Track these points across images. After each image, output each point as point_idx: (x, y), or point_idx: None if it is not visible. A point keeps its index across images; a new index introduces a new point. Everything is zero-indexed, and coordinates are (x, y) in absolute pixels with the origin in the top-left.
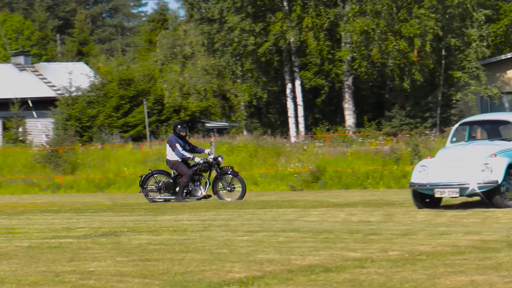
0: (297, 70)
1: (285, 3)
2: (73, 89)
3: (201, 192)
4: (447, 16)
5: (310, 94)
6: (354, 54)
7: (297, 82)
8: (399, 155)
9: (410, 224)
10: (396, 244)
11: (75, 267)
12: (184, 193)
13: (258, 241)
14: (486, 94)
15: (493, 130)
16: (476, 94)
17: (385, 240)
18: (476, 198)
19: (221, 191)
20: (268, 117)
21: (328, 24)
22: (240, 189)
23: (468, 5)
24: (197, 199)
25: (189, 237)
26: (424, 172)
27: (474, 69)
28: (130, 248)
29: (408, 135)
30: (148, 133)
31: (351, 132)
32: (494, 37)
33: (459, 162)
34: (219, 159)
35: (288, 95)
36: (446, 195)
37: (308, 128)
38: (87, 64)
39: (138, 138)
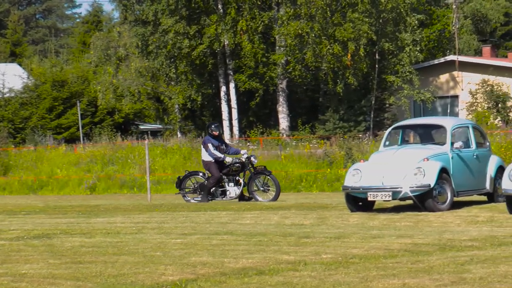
0: (231, 73)
1: (219, 6)
2: (5, 90)
3: (235, 192)
4: (381, 21)
5: (244, 97)
6: (289, 58)
7: (232, 85)
8: (332, 159)
9: (343, 227)
10: (329, 247)
11: (7, 269)
12: (218, 194)
13: (191, 244)
14: (419, 98)
15: (426, 134)
16: (409, 98)
17: (318, 243)
18: (409, 201)
19: (256, 192)
20: (202, 119)
21: (263, 27)
22: (274, 189)
23: (402, 10)
24: (231, 200)
25: (122, 239)
26: (357, 176)
27: (408, 73)
28: (63, 250)
29: (341, 138)
30: (81, 135)
31: (285, 135)
32: (427, 42)
33: (392, 166)
34: (252, 158)
35: (222, 98)
36: (379, 198)
37: (242, 131)
38: (20, 65)
39: (72, 140)
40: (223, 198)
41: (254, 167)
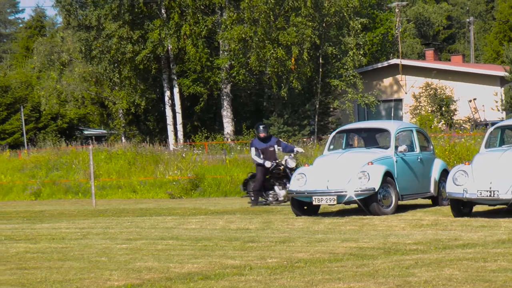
0: (175, 78)
1: (163, 11)
2: None
3: (282, 195)
4: (324, 25)
5: (188, 102)
6: (233, 62)
7: (176, 90)
8: None
9: (288, 231)
10: (274, 251)
11: None
12: (270, 197)
13: (136, 249)
14: (363, 102)
15: (370, 138)
16: (353, 102)
17: (264, 248)
18: (354, 205)
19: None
20: (147, 124)
21: (207, 31)
22: None
23: (345, 14)
24: (279, 203)
25: (67, 245)
26: (302, 180)
27: (351, 77)
28: (8, 256)
29: (286, 142)
30: (25, 141)
31: (229, 140)
32: (370, 46)
33: (336, 170)
34: (287, 160)
35: (167, 103)
36: (324, 202)
37: (187, 135)
38: None
39: (16, 146)
40: (273, 202)
41: (290, 169)
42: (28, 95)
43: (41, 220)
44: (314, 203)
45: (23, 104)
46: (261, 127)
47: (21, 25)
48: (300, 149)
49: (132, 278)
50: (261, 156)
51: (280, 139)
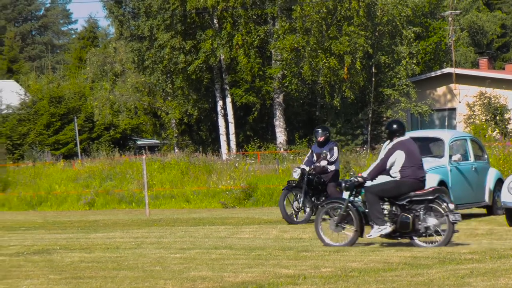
0: (227, 88)
1: (215, 21)
2: (3, 107)
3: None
4: (377, 34)
5: (241, 112)
6: (285, 71)
7: (228, 100)
8: None
9: None
10: (328, 260)
11: (7, 285)
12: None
13: (190, 258)
14: (417, 111)
15: (424, 147)
16: (407, 111)
17: (318, 257)
18: None
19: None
20: (200, 134)
21: (259, 41)
22: None
23: (398, 23)
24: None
25: (121, 254)
26: None
27: (404, 86)
28: (63, 265)
29: None
30: (79, 151)
31: (282, 149)
32: (423, 54)
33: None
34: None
35: (219, 113)
36: None
37: (239, 145)
38: (17, 82)
39: (70, 156)
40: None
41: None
42: (81, 106)
43: (95, 230)
44: None
45: (76, 115)
46: (318, 130)
47: (74, 36)
48: (324, 162)
49: (186, 287)
50: (314, 160)
51: (335, 148)
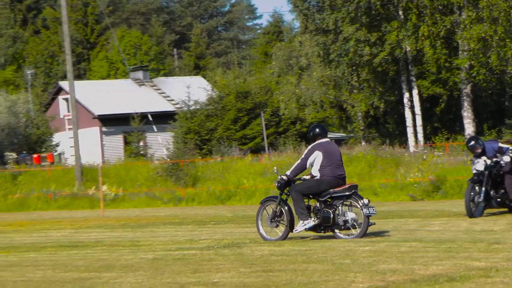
0: (414, 79)
1: (400, 12)
2: (191, 102)
3: None
4: None
5: (427, 103)
6: (472, 62)
7: (414, 91)
8: None
9: None
10: None
11: (199, 278)
12: None
13: (380, 251)
14: None
15: None
16: None
17: (510, 249)
18: None
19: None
20: (386, 127)
21: (445, 32)
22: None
23: None
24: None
25: (310, 247)
26: None
27: None
28: (253, 259)
29: None
30: (266, 145)
31: None
32: None
33: None
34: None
35: (406, 105)
36: None
37: (427, 137)
38: (204, 77)
39: (257, 150)
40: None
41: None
42: (267, 100)
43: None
44: None
45: (263, 109)
46: (470, 143)
47: (259, 31)
48: (507, 158)
49: (376, 280)
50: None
51: (503, 145)
